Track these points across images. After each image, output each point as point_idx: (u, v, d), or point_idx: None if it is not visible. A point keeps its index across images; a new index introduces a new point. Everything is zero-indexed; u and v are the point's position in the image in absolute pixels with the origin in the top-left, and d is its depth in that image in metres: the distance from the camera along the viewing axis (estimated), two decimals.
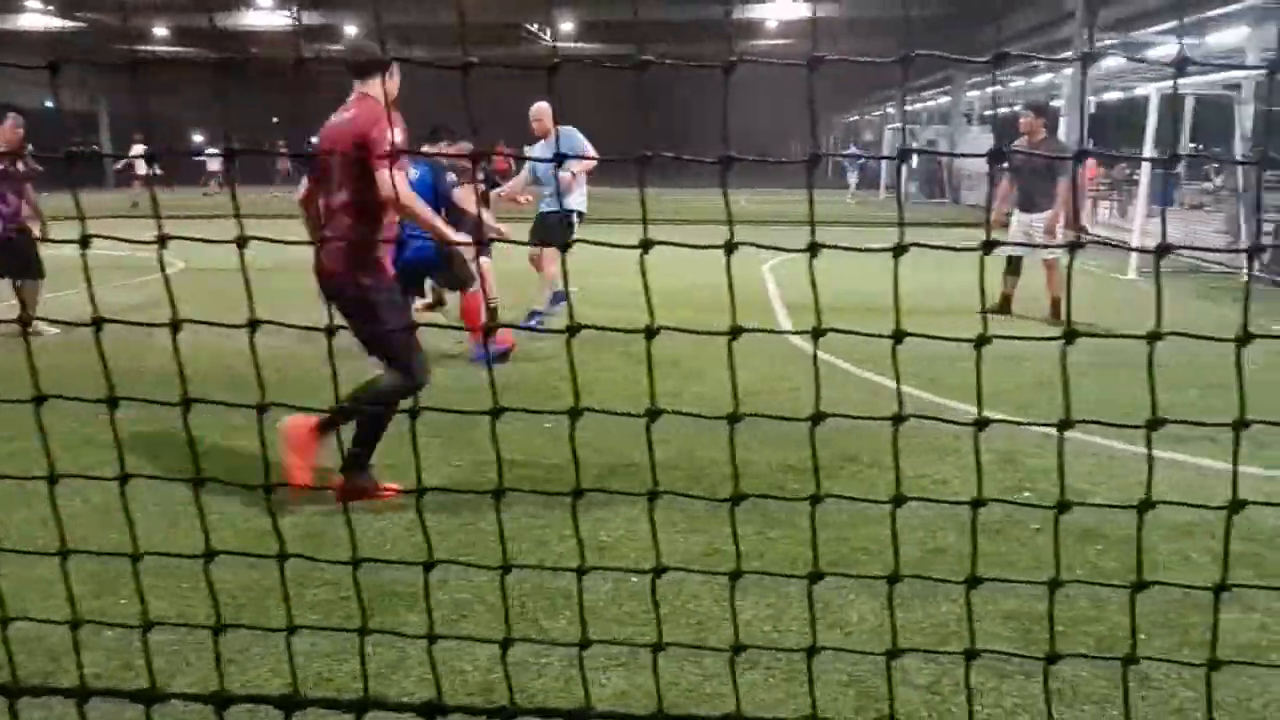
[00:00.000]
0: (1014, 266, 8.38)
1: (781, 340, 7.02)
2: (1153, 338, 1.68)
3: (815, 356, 1.79)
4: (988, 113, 37.79)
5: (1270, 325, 6.91)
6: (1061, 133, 19.13)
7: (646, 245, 1.64)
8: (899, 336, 1.74)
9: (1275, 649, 2.73)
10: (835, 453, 4.42)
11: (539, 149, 7.51)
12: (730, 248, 1.64)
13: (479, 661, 2.60)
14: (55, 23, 27.65)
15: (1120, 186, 22.31)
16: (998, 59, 1.61)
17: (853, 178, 25.65)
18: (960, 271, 9.09)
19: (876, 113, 41.32)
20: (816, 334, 1.68)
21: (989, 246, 1.64)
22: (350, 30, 32.43)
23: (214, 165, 26.65)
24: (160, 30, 31.10)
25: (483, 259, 7.76)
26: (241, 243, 1.80)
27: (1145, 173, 12.94)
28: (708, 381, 5.87)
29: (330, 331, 1.71)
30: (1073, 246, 1.68)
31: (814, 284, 1.65)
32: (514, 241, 5.50)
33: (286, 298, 8.56)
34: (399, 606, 2.90)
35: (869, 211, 21.61)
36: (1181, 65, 1.56)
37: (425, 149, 7.36)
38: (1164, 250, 1.71)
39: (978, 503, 1.74)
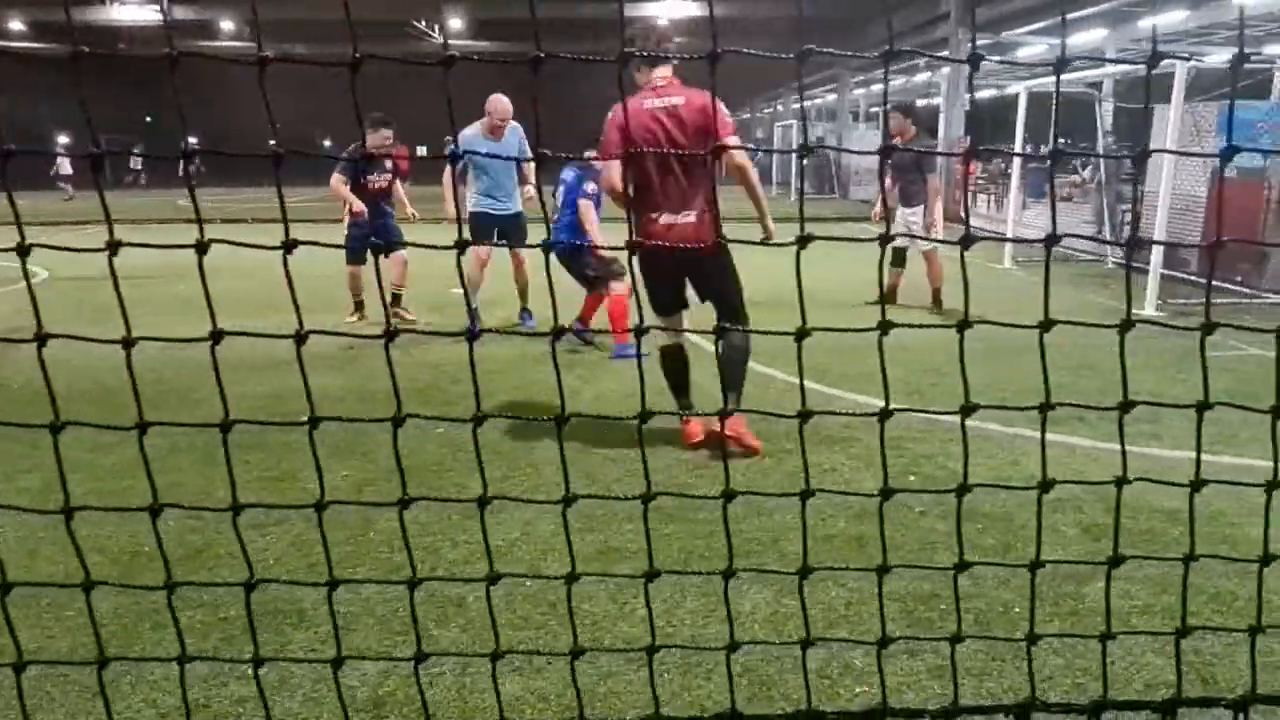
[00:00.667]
0: (898, 258, 8.65)
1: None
2: (1043, 326, 1.77)
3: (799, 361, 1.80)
4: (874, 110, 39.03)
5: (1135, 310, 7.33)
6: (941, 128, 19.91)
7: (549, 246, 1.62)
8: (801, 335, 1.77)
9: (1137, 613, 2.89)
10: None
11: (485, 145, 7.11)
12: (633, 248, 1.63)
13: (367, 676, 2.52)
14: None
15: (997, 180, 23.37)
16: (888, 56, 1.66)
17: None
18: (845, 265, 9.39)
19: (767, 110, 42.13)
20: (801, 337, 1.68)
21: (885, 240, 1.70)
22: (226, 25, 31.20)
23: (66, 168, 25.28)
24: (15, 25, 29.19)
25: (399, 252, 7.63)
26: (114, 249, 1.71)
27: (1017, 167, 13.58)
28: (609, 379, 5.86)
29: (213, 339, 1.63)
30: (965, 241, 1.75)
31: (800, 285, 1.66)
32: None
33: (160, 305, 8.18)
34: (284, 625, 2.79)
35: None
36: (1062, 65, 1.65)
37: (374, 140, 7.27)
38: (1052, 240, 1.79)
39: (886, 493, 1.78)
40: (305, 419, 1.73)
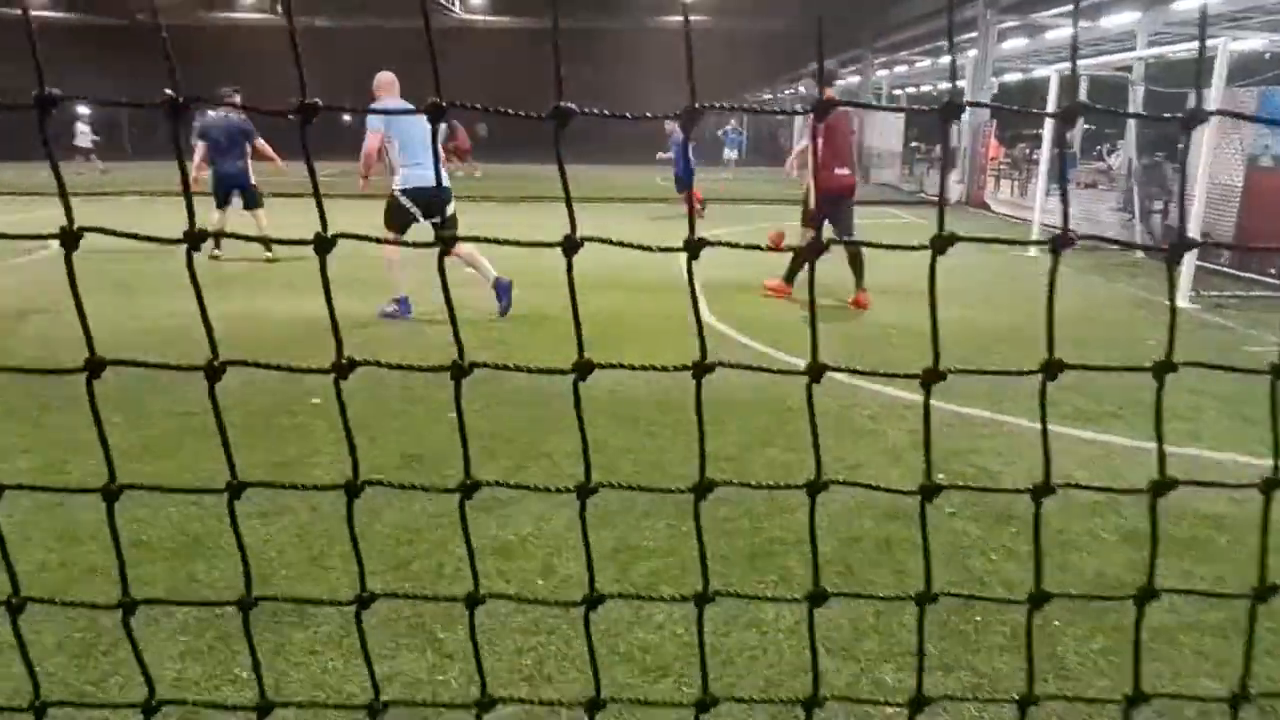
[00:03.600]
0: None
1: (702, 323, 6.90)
2: (1161, 368, 1.58)
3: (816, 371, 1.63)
4: (896, 91, 38.48)
5: (1165, 300, 7.11)
6: (966, 115, 19.52)
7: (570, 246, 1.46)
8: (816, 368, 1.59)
9: (1184, 630, 2.72)
10: (753, 438, 4.31)
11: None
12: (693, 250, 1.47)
13: (367, 683, 2.38)
14: None
15: (1021, 165, 22.96)
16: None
17: (730, 154, 26.14)
18: (878, 254, 9.11)
19: (789, 90, 41.60)
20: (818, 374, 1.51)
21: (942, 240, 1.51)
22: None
23: (83, 142, 25.15)
24: None
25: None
26: (77, 233, 1.55)
27: (1045, 153, 13.26)
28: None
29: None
30: (1059, 242, 1.56)
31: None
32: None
33: (183, 278, 8.06)
34: (284, 624, 2.66)
35: (755, 188, 21.58)
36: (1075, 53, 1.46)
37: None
38: (1065, 242, 1.61)
39: (927, 491, 1.61)
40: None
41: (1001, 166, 23.35)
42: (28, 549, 3.13)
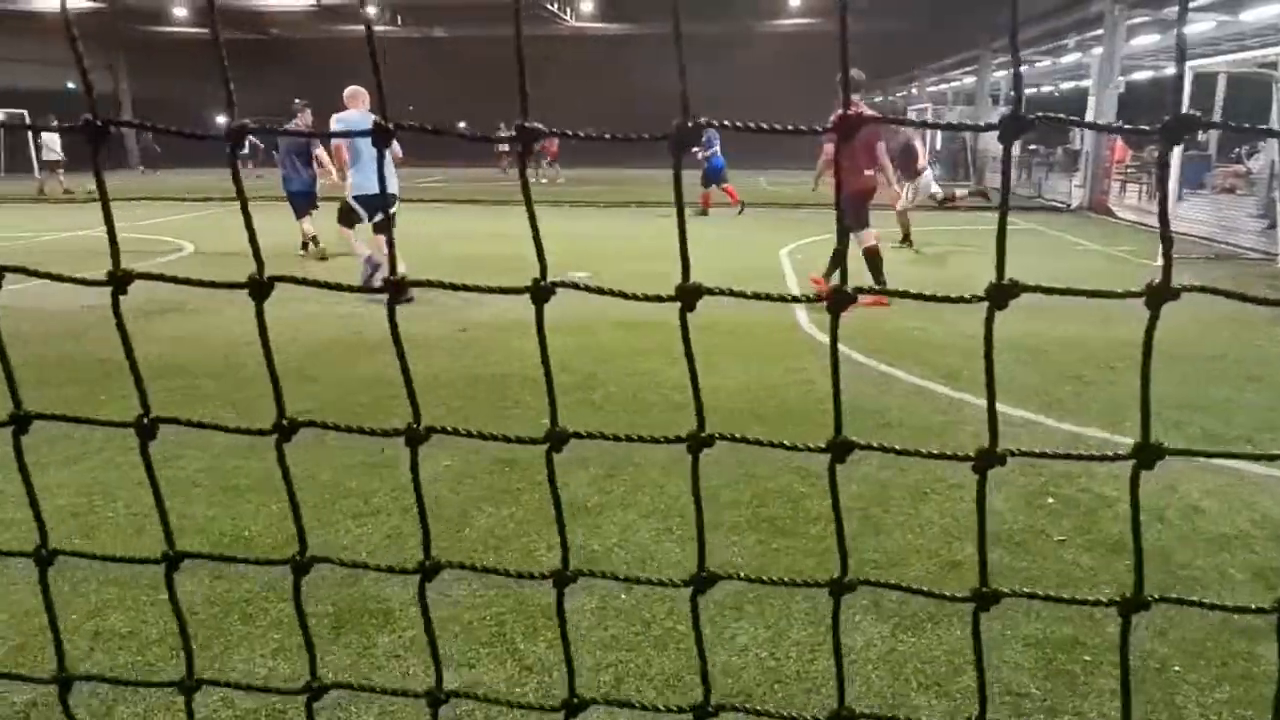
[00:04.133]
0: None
1: (794, 328, 6.77)
2: None
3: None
4: (1013, 93, 36.91)
5: None
6: (1090, 114, 18.58)
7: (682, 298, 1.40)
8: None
9: None
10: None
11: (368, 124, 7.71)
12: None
13: (447, 689, 2.38)
14: (73, 3, 27.55)
15: (1150, 169, 21.73)
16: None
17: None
18: (970, 257, 8.77)
19: (901, 93, 40.60)
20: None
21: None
22: (370, 10, 32.22)
23: (245, 148, 26.81)
24: (179, 11, 30.95)
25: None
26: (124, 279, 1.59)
27: (1177, 156, 12.49)
28: (720, 373, 5.62)
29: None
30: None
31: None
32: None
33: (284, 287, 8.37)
34: (369, 626, 2.70)
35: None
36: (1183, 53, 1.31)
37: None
38: (1168, 294, 1.46)
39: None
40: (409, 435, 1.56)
41: (1129, 170, 22.15)
42: (141, 541, 3.28)
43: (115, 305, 0.84)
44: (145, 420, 0.84)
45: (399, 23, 33.87)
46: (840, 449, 0.81)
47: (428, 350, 6.04)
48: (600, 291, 0.88)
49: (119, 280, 0.80)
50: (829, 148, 8.04)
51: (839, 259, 0.88)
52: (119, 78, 36.72)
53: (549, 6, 31.13)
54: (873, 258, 7.70)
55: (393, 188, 7.94)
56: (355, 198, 7.83)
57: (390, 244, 1.07)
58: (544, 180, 23.06)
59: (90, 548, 3.27)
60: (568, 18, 32.89)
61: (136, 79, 36.86)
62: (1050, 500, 3.69)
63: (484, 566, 0.94)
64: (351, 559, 2.98)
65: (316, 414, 5.10)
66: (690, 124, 0.69)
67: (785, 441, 0.88)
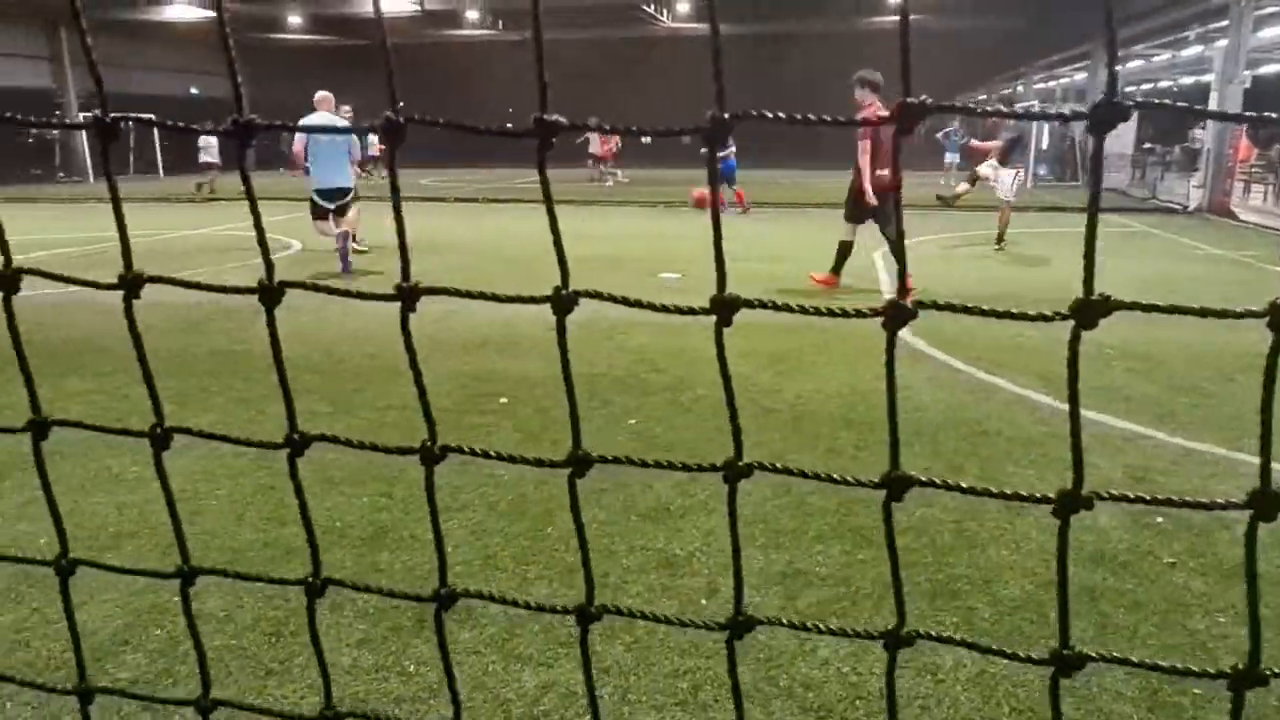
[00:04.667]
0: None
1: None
2: None
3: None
4: (1128, 89, 35.44)
5: None
6: (1214, 107, 17.57)
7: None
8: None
9: None
10: (943, 463, 4.02)
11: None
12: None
13: (525, 689, 2.40)
14: (198, 14, 29.05)
15: (1277, 168, 20.44)
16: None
17: (951, 158, 24.03)
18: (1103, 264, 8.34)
19: (1005, 90, 39.25)
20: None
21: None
22: (471, 15, 32.98)
23: (373, 150, 27.95)
24: (293, 19, 32.25)
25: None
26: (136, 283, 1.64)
27: None
28: (812, 375, 5.52)
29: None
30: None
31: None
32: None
33: (381, 280, 8.64)
34: (451, 621, 2.73)
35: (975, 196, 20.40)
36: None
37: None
38: None
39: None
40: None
41: (1254, 169, 20.87)
42: (240, 528, 3.41)
43: (128, 309, 0.86)
44: (160, 430, 0.85)
45: (499, 27, 34.49)
46: (897, 485, 0.76)
47: (518, 349, 6.12)
48: (622, 301, 0.86)
49: (129, 284, 0.81)
50: (865, 144, 8.15)
51: (900, 255, 0.82)
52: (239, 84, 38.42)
53: (645, 8, 31.22)
54: (844, 251, 8.38)
55: (346, 182, 9.45)
56: (316, 190, 9.18)
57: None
58: (609, 182, 22.86)
59: (194, 532, 3.42)
60: (664, 18, 32.91)
61: (257, 84, 38.64)
62: (1160, 520, 3.49)
63: (509, 598, 0.92)
64: (433, 554, 2.95)
65: (403, 410, 5.20)
66: (727, 118, 0.65)
67: (835, 475, 0.83)
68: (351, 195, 9.39)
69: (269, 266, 0.86)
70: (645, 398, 4.97)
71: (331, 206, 9.26)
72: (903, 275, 7.68)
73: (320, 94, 9.42)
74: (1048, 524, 3.39)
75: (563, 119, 0.70)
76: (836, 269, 8.42)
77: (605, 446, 4.26)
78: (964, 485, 0.82)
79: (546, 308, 0.84)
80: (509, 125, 0.73)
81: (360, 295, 0.91)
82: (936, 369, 5.62)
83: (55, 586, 2.82)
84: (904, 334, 6.16)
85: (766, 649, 2.56)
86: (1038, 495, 0.77)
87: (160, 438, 0.86)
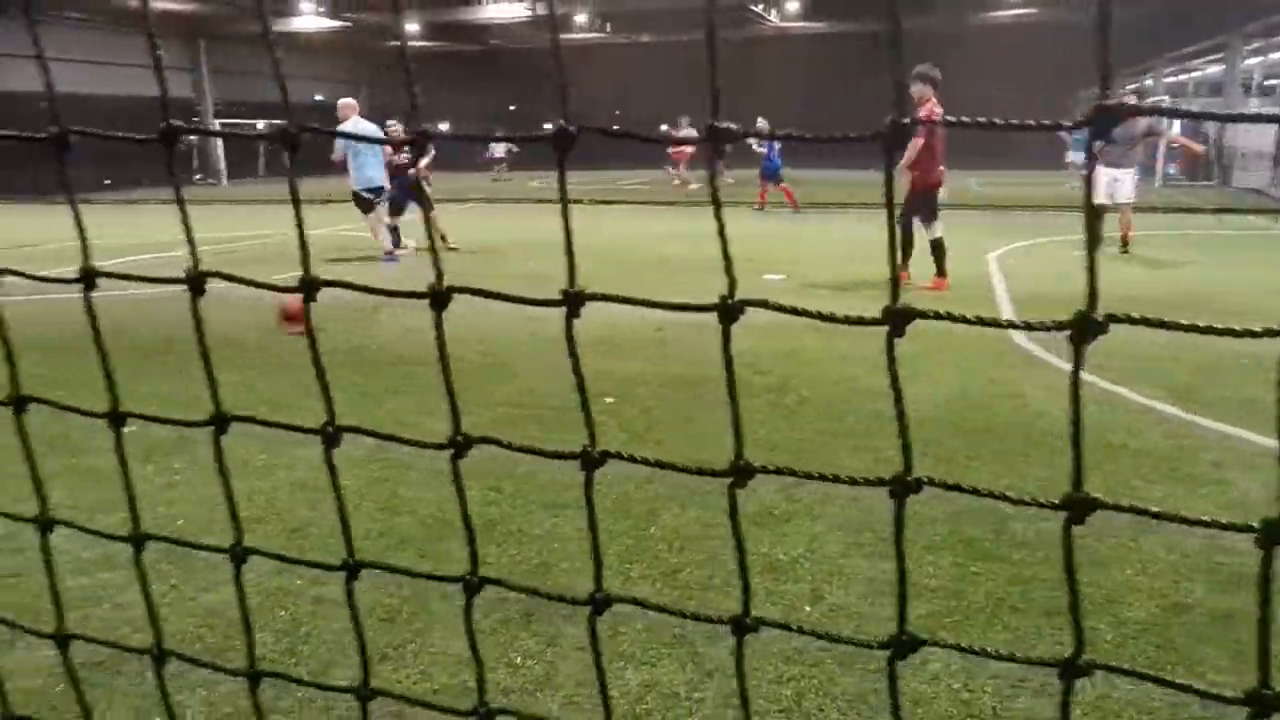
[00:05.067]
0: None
1: (1003, 339, 6.37)
2: None
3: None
4: (1269, 82, 33.19)
5: None
6: None
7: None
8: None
9: None
10: (1062, 476, 3.85)
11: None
12: None
13: (628, 688, 2.42)
14: (326, 23, 30.43)
15: None
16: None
17: (1074, 156, 22.40)
18: (1241, 269, 7.84)
19: (1131, 85, 37.33)
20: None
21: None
22: (579, 19, 33.47)
23: (499, 152, 28.82)
24: (411, 26, 33.38)
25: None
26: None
27: None
28: (924, 381, 5.37)
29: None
30: None
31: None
32: None
33: (507, 281, 8.82)
34: (558, 617, 2.77)
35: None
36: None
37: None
38: None
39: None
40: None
41: None
42: (357, 517, 3.55)
43: (193, 303, 0.90)
44: (330, 428, 0.89)
45: (608, 30, 34.86)
46: (903, 488, 0.73)
47: (623, 351, 6.16)
48: (624, 300, 0.86)
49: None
50: (918, 142, 7.97)
51: (938, 251, 0.78)
52: (360, 89, 40.16)
53: (753, 7, 31.02)
54: (939, 248, 8.29)
55: (382, 181, 10.52)
56: (363, 189, 10.38)
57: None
58: (694, 185, 22.25)
59: (315, 518, 3.58)
60: (772, 18, 32.63)
61: (375, 89, 40.22)
62: None
63: (522, 586, 0.93)
64: (543, 549, 3.06)
65: (507, 408, 5.28)
66: (906, 121, 0.64)
67: (944, 481, 0.81)
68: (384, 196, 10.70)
69: (439, 274, 0.89)
70: (747, 400, 4.94)
71: (379, 201, 10.51)
72: (894, 265, 7.43)
73: (344, 101, 10.43)
74: (1176, 544, 3.22)
75: (734, 125, 0.70)
76: (941, 270, 8.31)
77: (711, 450, 4.26)
78: (964, 485, 0.78)
79: (657, 311, 0.84)
80: (667, 130, 0.73)
81: (387, 292, 0.93)
82: (1053, 376, 5.39)
83: (193, 566, 2.99)
84: (1017, 338, 5.92)
85: (875, 659, 2.51)
86: (1043, 501, 0.73)
87: (331, 436, 0.91)
